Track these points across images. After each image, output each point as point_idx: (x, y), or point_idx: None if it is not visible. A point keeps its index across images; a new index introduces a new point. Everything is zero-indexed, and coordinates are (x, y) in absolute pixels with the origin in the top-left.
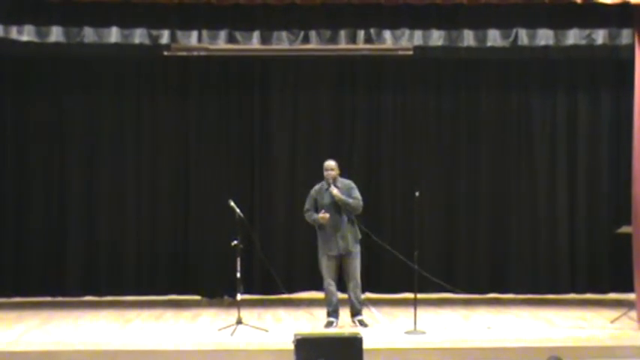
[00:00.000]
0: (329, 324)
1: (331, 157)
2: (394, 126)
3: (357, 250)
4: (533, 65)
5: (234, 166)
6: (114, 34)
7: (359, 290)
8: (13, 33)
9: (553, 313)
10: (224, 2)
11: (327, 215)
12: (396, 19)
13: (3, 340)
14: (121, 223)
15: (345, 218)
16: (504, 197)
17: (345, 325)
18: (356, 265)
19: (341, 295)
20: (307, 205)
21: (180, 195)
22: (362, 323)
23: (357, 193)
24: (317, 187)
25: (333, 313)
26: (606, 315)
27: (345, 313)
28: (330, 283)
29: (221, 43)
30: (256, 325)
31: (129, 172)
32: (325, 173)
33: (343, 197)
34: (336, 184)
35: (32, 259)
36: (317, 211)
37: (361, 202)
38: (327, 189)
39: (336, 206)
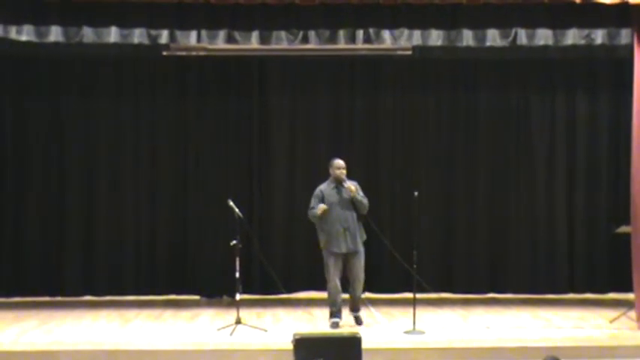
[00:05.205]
0: (335, 324)
1: (331, 156)
2: (393, 126)
3: (363, 249)
4: (532, 65)
5: (233, 166)
6: (113, 34)
7: (361, 289)
8: (12, 33)
9: (552, 313)
10: (223, 2)
11: (326, 207)
12: (395, 19)
13: (2, 340)
14: (120, 222)
15: (355, 216)
16: (503, 197)
17: (344, 324)
18: (361, 265)
19: (343, 295)
20: (312, 204)
21: (179, 195)
22: (358, 320)
23: (362, 193)
24: (323, 185)
25: (338, 312)
26: (605, 315)
27: (346, 311)
28: (336, 283)
29: (220, 43)
30: (255, 325)
31: (128, 172)
32: (338, 172)
33: (358, 195)
34: (344, 184)
35: (32, 259)
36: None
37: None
38: (336, 186)
39: (345, 204)
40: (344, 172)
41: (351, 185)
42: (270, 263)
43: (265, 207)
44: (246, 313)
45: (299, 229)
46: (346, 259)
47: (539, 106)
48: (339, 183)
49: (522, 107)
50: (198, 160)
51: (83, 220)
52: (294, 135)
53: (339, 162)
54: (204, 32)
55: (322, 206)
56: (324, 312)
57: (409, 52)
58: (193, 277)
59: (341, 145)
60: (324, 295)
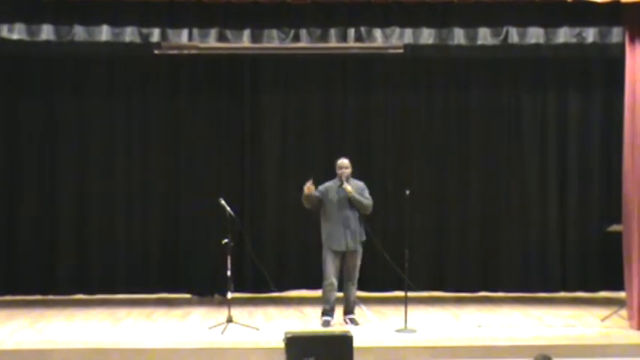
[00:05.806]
0: (326, 323)
1: (324, 155)
2: (384, 124)
3: (361, 249)
4: (524, 63)
5: (224, 165)
6: (104, 33)
7: (355, 289)
8: (4, 31)
9: (544, 311)
10: (214, 0)
11: (312, 187)
12: (387, 18)
13: None
14: (112, 221)
15: (357, 215)
16: (495, 196)
17: (335, 323)
18: (357, 265)
19: (338, 294)
20: None
21: (171, 193)
22: (353, 322)
23: (368, 194)
24: (328, 183)
25: (330, 311)
26: (597, 313)
27: (338, 310)
28: (332, 281)
29: (211, 42)
30: (247, 324)
31: (120, 171)
32: (340, 171)
33: (356, 195)
34: (349, 183)
35: (24, 258)
36: (324, 207)
37: (372, 203)
38: (340, 186)
39: (346, 203)
40: (345, 171)
41: (347, 185)
42: (262, 262)
43: (257, 205)
44: (237, 312)
45: (291, 227)
46: (344, 257)
47: (530, 104)
48: (342, 182)
49: (514, 106)
50: (190, 159)
51: (75, 218)
52: (285, 133)
53: (342, 161)
54: (195, 31)
55: (309, 186)
56: (316, 310)
57: (401, 51)
58: (185, 276)
59: (333, 143)
60: (315, 293)
